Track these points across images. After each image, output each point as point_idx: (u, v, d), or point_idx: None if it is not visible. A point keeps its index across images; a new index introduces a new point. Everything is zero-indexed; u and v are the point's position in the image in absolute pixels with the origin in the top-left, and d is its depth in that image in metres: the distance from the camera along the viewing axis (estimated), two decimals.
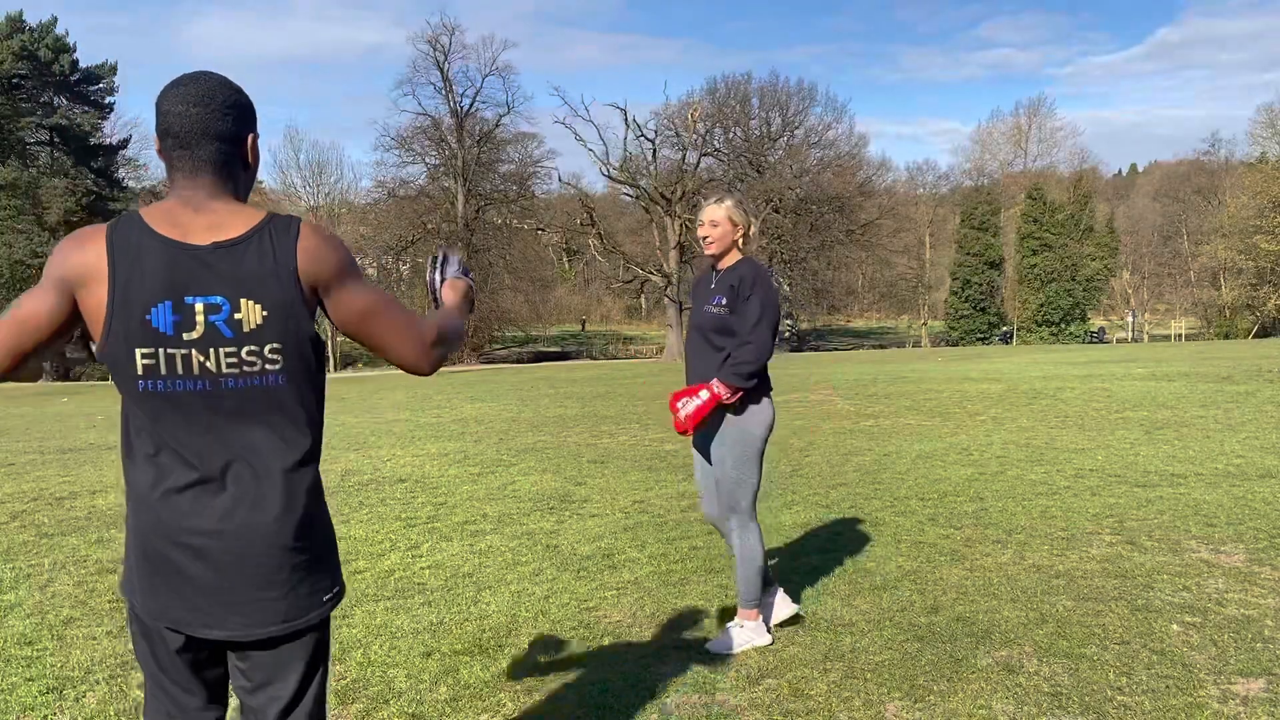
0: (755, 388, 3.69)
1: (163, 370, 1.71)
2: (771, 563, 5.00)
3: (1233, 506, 6.04)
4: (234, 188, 1.80)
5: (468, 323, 2.23)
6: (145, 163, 49.55)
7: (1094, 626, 3.90)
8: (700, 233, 3.84)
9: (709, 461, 3.88)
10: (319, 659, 1.89)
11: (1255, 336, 49.68)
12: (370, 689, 3.46)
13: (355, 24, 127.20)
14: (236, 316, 1.70)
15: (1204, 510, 5.95)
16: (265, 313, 1.71)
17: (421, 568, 5.13)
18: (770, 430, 3.78)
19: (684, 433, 3.72)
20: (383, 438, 11.05)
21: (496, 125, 53.97)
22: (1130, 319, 58.74)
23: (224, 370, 1.72)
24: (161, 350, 1.70)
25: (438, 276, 2.29)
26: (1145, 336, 57.48)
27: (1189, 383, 14.69)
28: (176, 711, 1.88)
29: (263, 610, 1.77)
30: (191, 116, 1.73)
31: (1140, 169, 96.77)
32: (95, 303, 1.70)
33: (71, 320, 1.73)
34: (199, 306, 1.69)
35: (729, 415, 3.73)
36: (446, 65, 52.52)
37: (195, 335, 1.70)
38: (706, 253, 3.83)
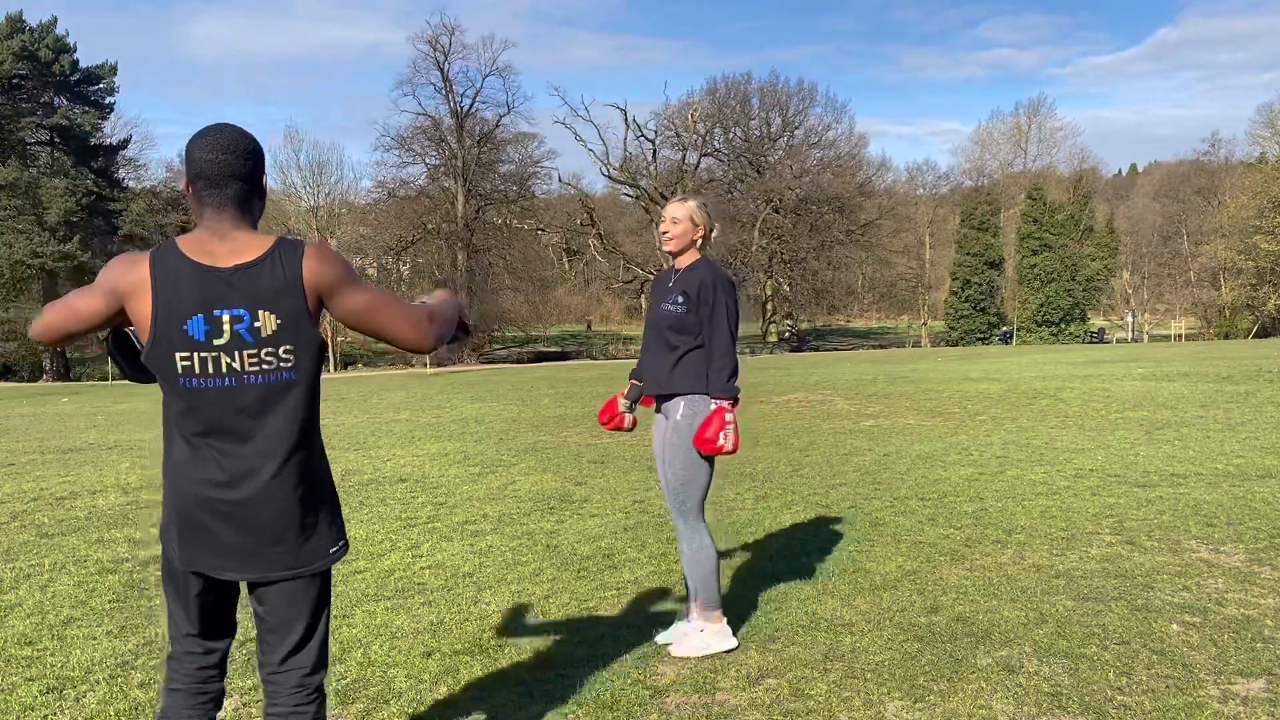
0: (704, 392, 3.71)
1: (197, 370, 2.07)
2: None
3: (1233, 506, 6.04)
4: (251, 219, 2.16)
5: (471, 316, 2.45)
6: (145, 163, 49.79)
7: (1094, 626, 3.90)
8: (661, 228, 3.90)
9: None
10: (323, 603, 2.27)
11: (1255, 336, 49.69)
12: (370, 689, 3.46)
13: (354, 24, 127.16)
14: (256, 325, 2.07)
15: (1204, 510, 5.95)
16: (279, 321, 2.08)
17: (422, 568, 5.13)
18: None
19: (736, 450, 3.72)
20: (383, 438, 11.05)
21: (496, 125, 54.04)
22: (1130, 319, 58.71)
23: (246, 369, 2.08)
24: (196, 354, 2.06)
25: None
26: (1145, 337, 57.45)
27: (1189, 383, 14.69)
28: (189, 635, 2.25)
29: (275, 560, 2.15)
30: (220, 163, 2.08)
31: (1140, 169, 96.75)
32: (142, 313, 2.08)
33: (109, 320, 2.13)
34: (226, 318, 2.06)
35: (677, 419, 3.73)
36: (446, 65, 52.62)
37: (223, 341, 2.06)
38: (664, 248, 3.89)
